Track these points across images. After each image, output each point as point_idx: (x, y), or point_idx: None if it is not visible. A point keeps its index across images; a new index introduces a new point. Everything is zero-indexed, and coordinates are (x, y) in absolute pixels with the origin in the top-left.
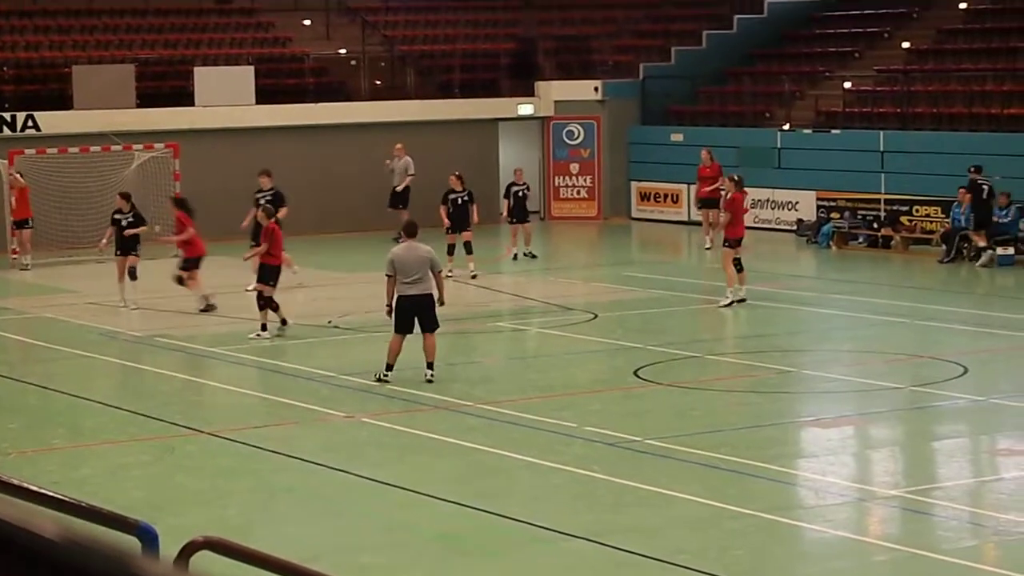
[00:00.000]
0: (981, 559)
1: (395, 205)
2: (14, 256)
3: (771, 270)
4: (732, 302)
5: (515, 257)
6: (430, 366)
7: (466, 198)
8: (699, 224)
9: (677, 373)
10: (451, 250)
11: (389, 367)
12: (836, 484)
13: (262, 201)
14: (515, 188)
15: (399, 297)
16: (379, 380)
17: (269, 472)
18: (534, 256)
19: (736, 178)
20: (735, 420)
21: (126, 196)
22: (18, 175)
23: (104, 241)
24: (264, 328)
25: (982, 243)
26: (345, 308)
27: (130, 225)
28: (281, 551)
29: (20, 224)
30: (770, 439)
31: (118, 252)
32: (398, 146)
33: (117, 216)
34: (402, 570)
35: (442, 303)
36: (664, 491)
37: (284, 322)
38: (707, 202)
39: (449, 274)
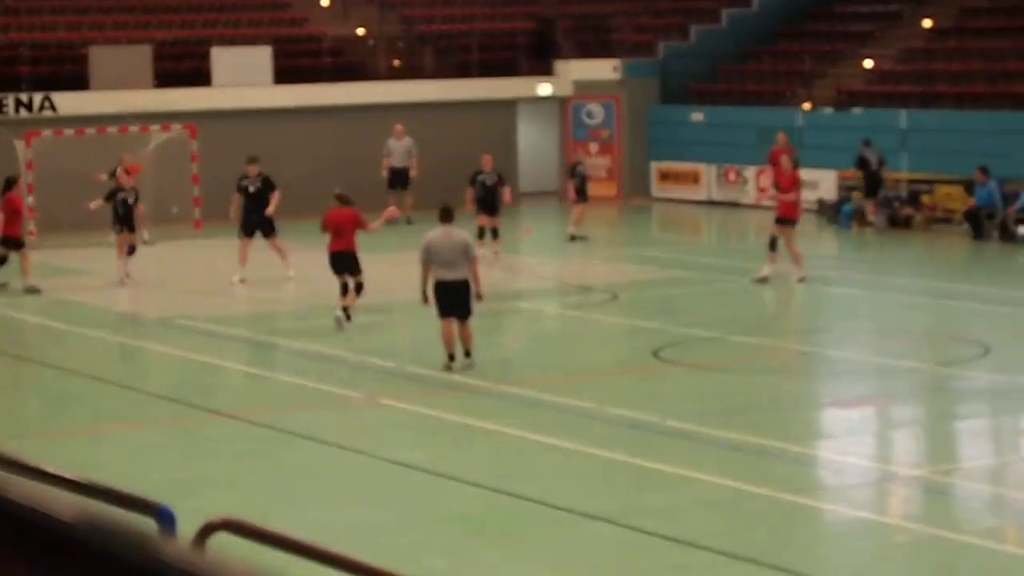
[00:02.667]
0: (1002, 539)
1: (394, 186)
2: None
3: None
4: (803, 277)
5: (572, 238)
6: (467, 354)
7: (495, 179)
8: (721, 204)
9: (697, 354)
10: (481, 233)
11: (451, 356)
12: (857, 464)
13: (251, 189)
14: (579, 168)
15: (436, 283)
16: (450, 369)
17: (288, 454)
18: (584, 238)
19: (790, 152)
20: (755, 401)
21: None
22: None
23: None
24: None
25: (872, 212)
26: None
27: (135, 204)
28: (299, 533)
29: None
30: (791, 420)
31: (124, 229)
32: (398, 127)
33: (123, 195)
34: (422, 552)
35: (480, 297)
36: (684, 472)
37: (347, 312)
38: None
39: (497, 250)
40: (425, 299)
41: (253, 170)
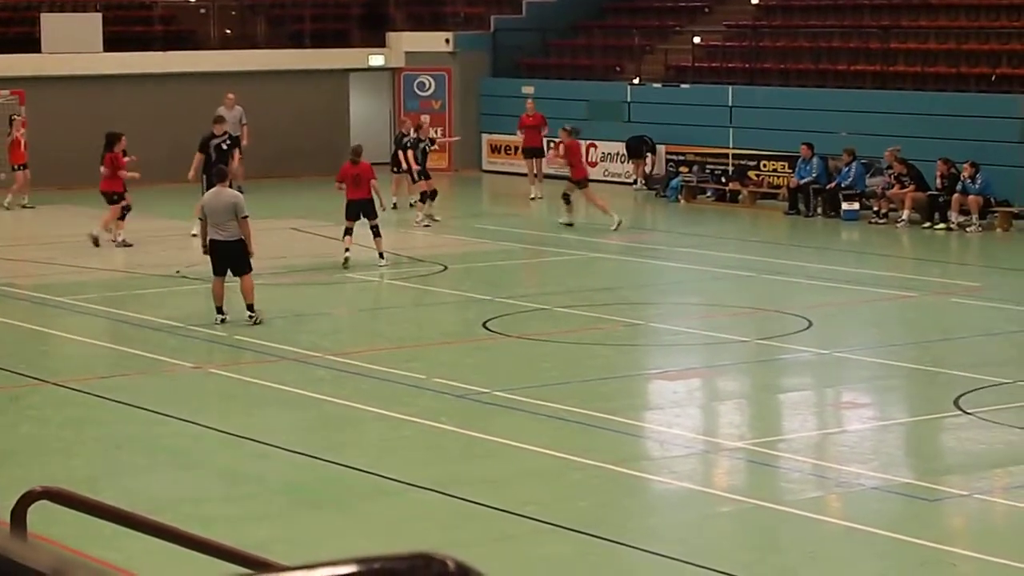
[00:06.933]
0: (823, 510)
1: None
2: None
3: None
4: (619, 222)
5: (395, 207)
6: (249, 307)
7: (430, 144)
8: (551, 177)
9: (526, 325)
10: (424, 197)
11: (219, 310)
12: (681, 436)
13: (223, 147)
14: (404, 140)
15: (210, 240)
16: (219, 322)
17: (115, 423)
18: (395, 208)
19: (569, 128)
20: (583, 372)
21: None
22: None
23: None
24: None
25: (639, 174)
26: (193, 258)
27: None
28: (126, 502)
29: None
30: (617, 391)
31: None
32: (229, 96)
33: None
34: (249, 521)
35: (250, 253)
36: (512, 443)
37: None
38: (530, 151)
39: (437, 219)
40: (206, 251)
41: (219, 128)
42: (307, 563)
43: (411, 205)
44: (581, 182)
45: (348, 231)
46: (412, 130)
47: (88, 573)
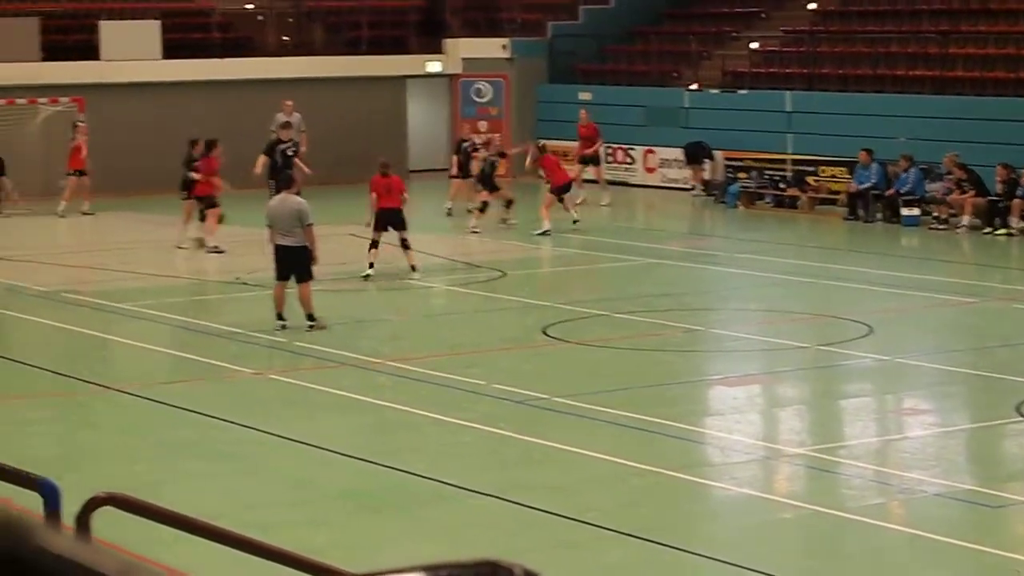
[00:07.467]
0: (885, 517)
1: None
2: None
3: (678, 229)
4: (546, 231)
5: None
6: (309, 317)
7: (496, 156)
8: (609, 183)
9: (586, 331)
10: (484, 207)
11: (279, 315)
12: (742, 442)
13: (289, 153)
14: (464, 144)
15: (275, 247)
16: (280, 328)
17: (176, 428)
18: (449, 214)
19: (540, 145)
20: (643, 378)
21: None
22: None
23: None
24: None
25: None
26: (254, 264)
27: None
28: (187, 507)
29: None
30: (677, 397)
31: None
32: (287, 102)
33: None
34: (309, 527)
35: (314, 260)
36: (572, 449)
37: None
38: (584, 159)
39: (513, 222)
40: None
41: (286, 134)
42: (373, 570)
43: (468, 211)
44: (559, 189)
45: (375, 244)
46: (478, 140)
47: None
